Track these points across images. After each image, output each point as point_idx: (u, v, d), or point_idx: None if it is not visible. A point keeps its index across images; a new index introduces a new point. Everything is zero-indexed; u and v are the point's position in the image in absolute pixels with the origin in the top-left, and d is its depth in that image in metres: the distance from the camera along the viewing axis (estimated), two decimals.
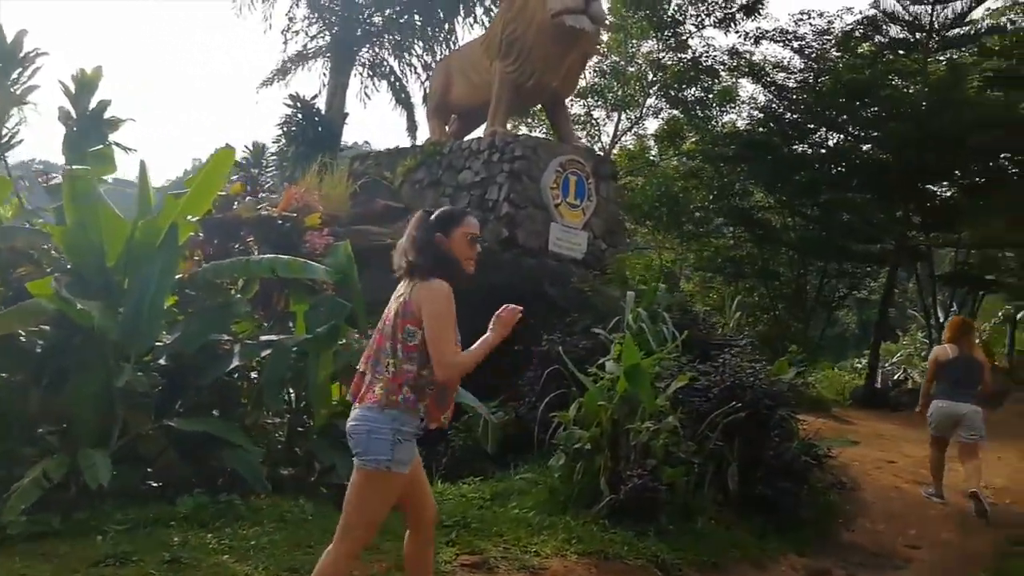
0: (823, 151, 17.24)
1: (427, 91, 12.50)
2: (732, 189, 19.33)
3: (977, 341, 19.91)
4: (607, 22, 19.25)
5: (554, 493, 5.45)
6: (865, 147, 15.60)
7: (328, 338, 5.38)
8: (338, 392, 6.16)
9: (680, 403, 5.85)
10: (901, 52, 16.15)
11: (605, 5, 20.00)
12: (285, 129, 13.70)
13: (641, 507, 5.04)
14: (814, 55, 17.05)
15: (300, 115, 13.66)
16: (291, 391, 5.69)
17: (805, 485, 5.64)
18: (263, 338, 5.39)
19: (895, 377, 20.42)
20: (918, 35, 15.42)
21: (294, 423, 5.65)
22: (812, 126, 17.32)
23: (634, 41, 21.16)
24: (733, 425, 5.73)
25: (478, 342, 2.94)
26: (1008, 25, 17.93)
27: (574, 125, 22.43)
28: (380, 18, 14.56)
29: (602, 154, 10.50)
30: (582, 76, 21.43)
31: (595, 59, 21.77)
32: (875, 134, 14.70)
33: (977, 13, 15.66)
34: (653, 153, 23.19)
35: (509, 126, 20.72)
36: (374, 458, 2.77)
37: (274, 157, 13.14)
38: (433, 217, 3.04)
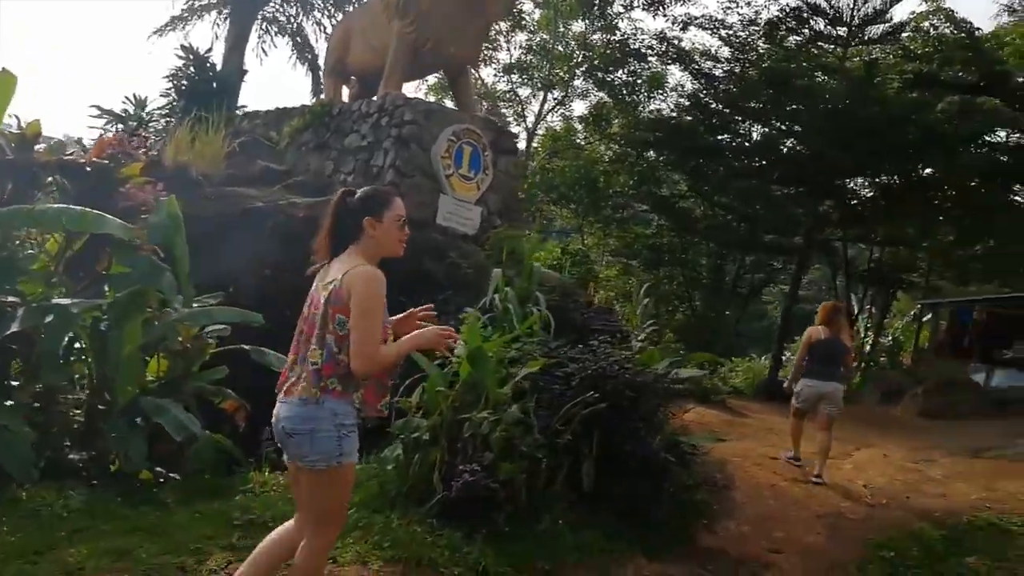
0: (745, 143, 17.06)
1: None
2: (652, 176, 19.06)
3: (883, 334, 20.35)
4: None
5: (385, 488, 4.86)
6: (788, 141, 15.41)
7: (130, 305, 4.68)
8: (155, 369, 5.47)
9: (538, 391, 5.36)
10: (823, 46, 16.05)
11: None
12: (175, 83, 12.70)
13: (474, 506, 4.51)
14: (740, 45, 16.84)
15: (192, 68, 12.67)
16: (92, 364, 4.96)
17: (665, 483, 5.21)
18: (54, 301, 4.64)
19: None
20: (840, 30, 15.30)
21: (94, 402, 4.93)
22: (738, 117, 17.13)
23: (562, 21, 20.64)
24: (593, 417, 5.27)
25: (404, 338, 2.87)
26: (931, 30, 18.10)
27: (500, 102, 21.98)
28: None
29: (503, 126, 9.87)
30: (507, 51, 21.00)
31: (524, 36, 21.25)
32: (796, 128, 14.54)
33: (899, 12, 15.66)
34: (581, 136, 22.75)
35: (433, 97, 20.14)
36: (323, 457, 2.67)
37: (159, 111, 12.14)
38: (358, 198, 2.89)
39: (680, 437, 5.55)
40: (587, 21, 20.50)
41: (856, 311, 20.10)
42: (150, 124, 11.70)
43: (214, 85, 12.78)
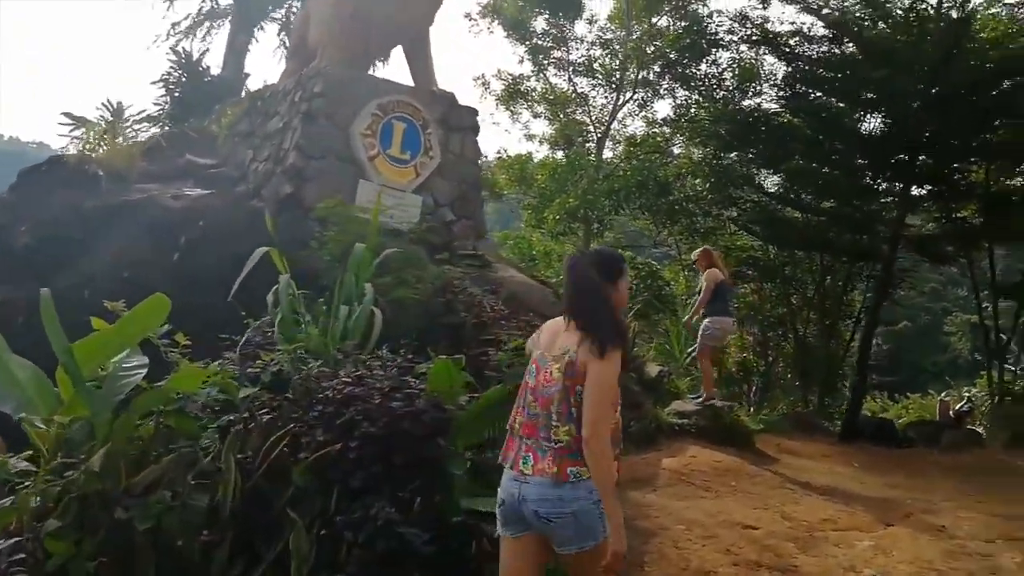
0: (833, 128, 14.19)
1: None
2: (733, 178, 16.42)
3: None
4: None
5: None
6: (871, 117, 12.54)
7: None
8: None
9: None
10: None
11: None
12: (167, 88, 11.98)
13: None
14: (836, 17, 14.11)
15: (182, 72, 11.91)
16: None
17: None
18: None
19: (958, 407, 16.94)
20: None
21: None
22: (835, 101, 14.31)
23: (638, 16, 18.62)
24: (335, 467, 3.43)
25: (616, 498, 2.52)
26: None
27: (570, 106, 20.12)
28: None
29: (455, 99, 7.94)
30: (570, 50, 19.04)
31: (591, 32, 19.41)
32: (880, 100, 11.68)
33: None
34: (666, 139, 20.38)
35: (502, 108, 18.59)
36: (590, 536, 2.55)
37: (139, 115, 11.33)
38: (596, 263, 2.78)
39: (465, 501, 3.50)
40: (666, 16, 18.40)
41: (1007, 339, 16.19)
42: (129, 130, 10.87)
43: (207, 90, 11.97)
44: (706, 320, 7.72)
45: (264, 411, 3.75)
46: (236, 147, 8.76)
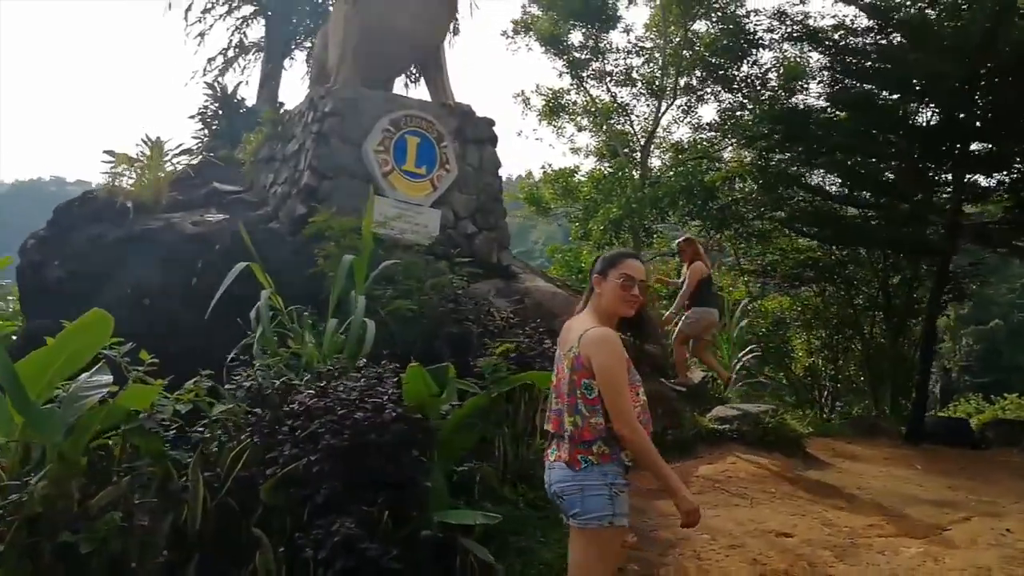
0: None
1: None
2: (779, 176, 15.82)
3: None
4: None
5: None
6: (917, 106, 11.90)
7: None
8: None
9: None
10: None
11: None
12: (205, 122, 12.24)
13: None
14: (873, 5, 13.52)
15: (218, 105, 12.16)
16: None
17: None
18: None
19: None
20: None
21: None
22: (886, 92, 13.67)
23: (674, 20, 18.27)
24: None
25: (671, 472, 2.70)
26: None
27: (613, 116, 19.83)
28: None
29: (471, 111, 7.79)
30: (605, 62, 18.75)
31: (624, 38, 19.13)
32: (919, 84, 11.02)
33: None
34: (712, 144, 19.89)
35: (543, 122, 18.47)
36: (596, 515, 2.64)
37: (179, 151, 11.61)
38: (600, 258, 2.96)
39: (438, 515, 3.28)
40: (703, 19, 18.01)
41: None
42: (168, 164, 11.13)
43: (242, 122, 12.18)
44: (689, 311, 7.79)
45: (239, 427, 3.62)
46: (259, 173, 8.83)
